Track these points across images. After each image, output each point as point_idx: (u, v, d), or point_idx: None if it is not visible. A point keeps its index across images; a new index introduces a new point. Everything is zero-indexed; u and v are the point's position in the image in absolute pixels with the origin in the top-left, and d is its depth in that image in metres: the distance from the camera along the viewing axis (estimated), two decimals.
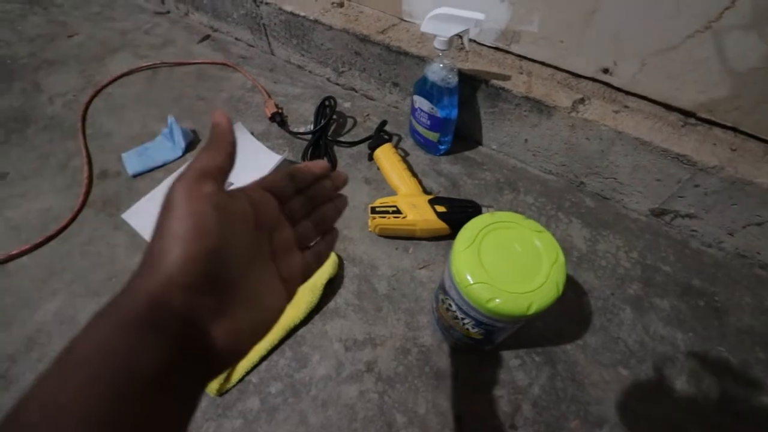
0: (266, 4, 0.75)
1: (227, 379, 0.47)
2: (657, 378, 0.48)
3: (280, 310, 0.24)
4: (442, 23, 0.52)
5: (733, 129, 0.53)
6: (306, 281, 0.27)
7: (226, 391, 0.47)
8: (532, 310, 0.34)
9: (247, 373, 0.48)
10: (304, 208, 0.28)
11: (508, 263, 0.36)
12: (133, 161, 0.66)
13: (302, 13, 0.72)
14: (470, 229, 0.38)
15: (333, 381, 0.47)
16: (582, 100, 0.57)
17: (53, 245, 0.59)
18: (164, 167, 0.67)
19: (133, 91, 0.79)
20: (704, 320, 0.52)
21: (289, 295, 0.25)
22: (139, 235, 0.59)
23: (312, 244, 0.29)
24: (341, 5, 0.73)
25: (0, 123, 0.74)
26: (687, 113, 0.55)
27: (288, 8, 0.73)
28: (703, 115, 0.54)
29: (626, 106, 0.56)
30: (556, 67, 0.60)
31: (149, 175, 0.66)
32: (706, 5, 0.45)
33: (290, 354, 0.49)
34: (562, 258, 0.36)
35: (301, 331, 0.51)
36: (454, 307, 0.40)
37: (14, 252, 0.57)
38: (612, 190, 0.61)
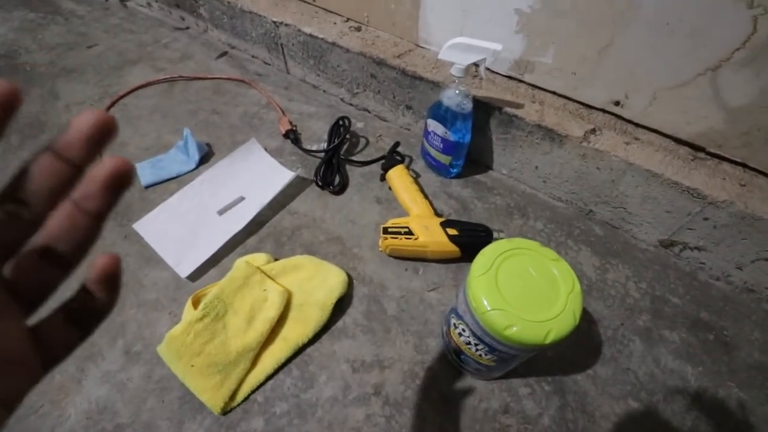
0: (285, 25, 0.77)
1: (232, 397, 0.46)
2: (668, 412, 0.47)
3: None
4: (460, 52, 0.53)
5: (743, 165, 0.54)
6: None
7: (231, 410, 0.46)
8: (549, 339, 0.34)
9: (253, 391, 0.47)
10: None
11: (525, 291, 0.36)
12: (146, 172, 0.67)
13: (321, 36, 0.74)
14: (487, 254, 0.39)
15: (339, 403, 0.47)
16: (593, 131, 0.58)
17: None
18: (177, 179, 0.67)
19: (149, 102, 0.80)
20: (713, 354, 0.52)
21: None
22: (150, 247, 0.58)
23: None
24: (359, 29, 0.75)
25: (16, 128, 0.74)
26: (696, 147, 0.56)
27: (307, 30, 0.75)
28: (713, 150, 0.55)
29: (637, 138, 0.57)
30: (568, 98, 0.62)
31: (162, 186, 0.66)
32: (717, 46, 0.46)
33: (297, 373, 0.49)
34: (578, 287, 0.36)
35: (308, 350, 0.50)
36: (467, 333, 0.40)
37: None
38: (621, 219, 0.62)
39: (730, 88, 0.48)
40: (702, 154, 0.55)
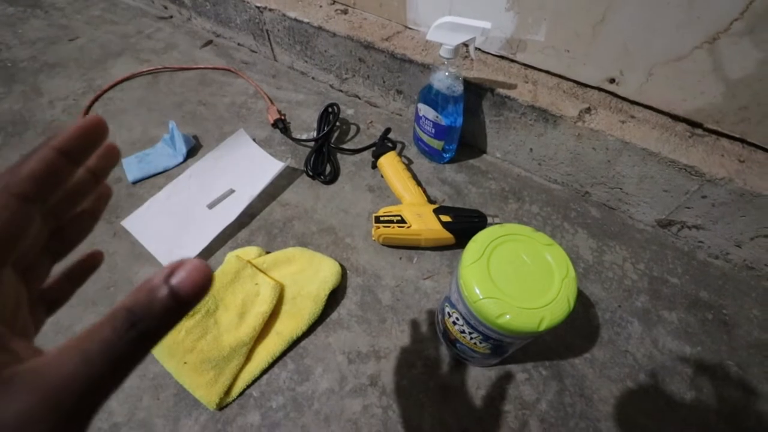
0: (270, 10, 0.75)
1: (227, 392, 0.45)
2: (667, 393, 0.47)
3: None
4: (448, 32, 0.51)
5: (741, 140, 0.52)
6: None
7: (226, 405, 0.46)
8: (543, 327, 0.33)
9: (248, 386, 0.47)
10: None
11: (518, 278, 0.35)
12: (133, 168, 0.65)
13: (306, 20, 0.71)
14: (479, 241, 0.38)
15: (336, 395, 0.46)
16: (588, 110, 0.57)
17: None
18: (165, 173, 0.66)
19: (134, 95, 0.78)
20: (713, 334, 0.51)
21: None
22: (139, 243, 0.58)
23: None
24: (345, 12, 0.73)
25: None
26: (694, 124, 0.54)
27: (292, 14, 0.72)
28: (711, 126, 0.53)
29: (633, 116, 0.56)
30: (562, 77, 0.60)
31: (149, 181, 0.65)
32: (714, 17, 0.45)
33: (292, 366, 0.48)
34: (573, 272, 0.36)
35: (303, 343, 0.50)
36: (461, 321, 0.39)
37: None
38: (618, 200, 0.61)
39: (729, 61, 0.47)
40: (700, 131, 0.54)
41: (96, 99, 0.77)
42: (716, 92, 0.49)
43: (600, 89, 0.58)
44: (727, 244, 0.56)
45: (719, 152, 0.52)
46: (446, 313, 0.43)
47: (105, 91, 0.78)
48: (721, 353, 0.50)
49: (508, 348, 0.40)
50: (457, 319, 0.40)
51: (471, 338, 0.40)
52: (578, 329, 0.51)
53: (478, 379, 0.47)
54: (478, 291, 0.35)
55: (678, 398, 0.46)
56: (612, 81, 0.56)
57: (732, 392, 0.47)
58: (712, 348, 0.50)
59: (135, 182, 0.64)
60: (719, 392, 0.47)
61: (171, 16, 0.97)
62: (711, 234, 0.56)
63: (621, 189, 0.59)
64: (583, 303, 0.53)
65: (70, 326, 0.51)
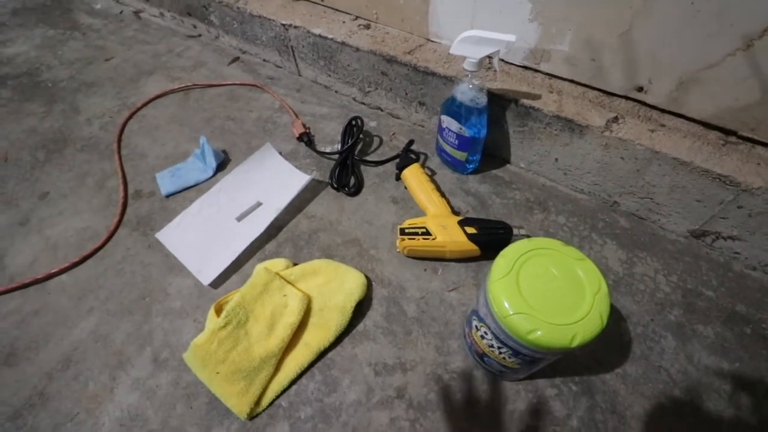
0: (295, 27, 0.77)
1: (257, 402, 0.46)
2: (703, 411, 0.45)
3: None
4: (471, 45, 0.52)
5: None
6: None
7: (256, 415, 0.47)
8: (575, 343, 0.33)
9: (277, 396, 0.48)
10: None
11: (548, 293, 0.35)
12: (166, 182, 0.68)
13: (330, 36, 0.73)
14: (507, 256, 0.38)
15: (363, 407, 0.47)
16: (616, 119, 0.56)
17: (89, 264, 0.60)
18: (196, 187, 0.68)
19: (166, 112, 0.82)
20: (751, 349, 0.49)
21: None
22: (172, 255, 0.60)
23: None
24: (368, 27, 0.74)
25: (41, 144, 0.77)
26: (727, 132, 0.53)
27: (316, 31, 0.74)
28: (745, 134, 0.52)
29: (663, 125, 0.55)
30: (587, 86, 0.59)
31: (181, 195, 0.67)
32: (747, 24, 0.44)
33: (320, 378, 0.49)
34: (605, 287, 0.35)
35: (330, 354, 0.51)
36: (489, 336, 0.39)
37: (54, 270, 0.58)
38: (648, 210, 0.60)
39: (764, 67, 0.45)
40: (734, 139, 0.52)
41: (131, 116, 0.81)
42: (750, 99, 0.48)
43: (627, 98, 0.57)
44: (766, 255, 0.54)
45: (755, 161, 0.50)
46: (474, 326, 0.43)
47: (139, 109, 0.82)
48: (761, 369, 0.48)
49: (538, 363, 0.40)
50: (486, 333, 0.40)
51: (500, 353, 0.39)
52: (609, 344, 0.50)
53: (507, 394, 0.47)
54: (507, 306, 0.34)
55: (715, 416, 0.45)
56: (640, 89, 0.55)
57: None
58: (751, 364, 0.48)
59: (168, 196, 0.67)
60: (760, 410, 0.45)
61: (200, 35, 1.00)
62: (748, 245, 0.54)
63: (651, 199, 0.58)
64: (614, 316, 0.52)
65: (108, 335, 0.53)
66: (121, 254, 0.61)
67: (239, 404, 0.46)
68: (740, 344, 0.50)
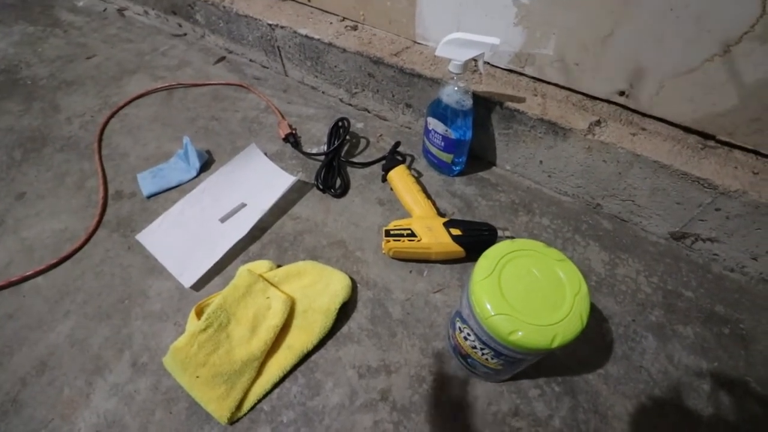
0: (281, 27, 0.76)
1: (238, 407, 0.46)
2: (683, 409, 0.46)
3: None
4: (457, 48, 0.52)
5: (755, 152, 0.52)
6: None
7: (237, 420, 0.46)
8: (555, 344, 0.33)
9: (259, 400, 0.47)
10: None
11: (529, 294, 0.35)
12: (147, 182, 0.67)
13: (316, 36, 0.73)
14: (489, 257, 0.38)
15: (346, 410, 0.46)
16: (598, 123, 0.57)
17: (67, 266, 0.59)
18: (178, 188, 0.67)
19: (149, 111, 0.80)
20: (730, 349, 0.50)
21: None
22: (153, 257, 0.58)
23: None
24: (355, 28, 0.74)
25: (19, 142, 0.75)
26: (706, 136, 0.54)
27: (303, 31, 0.74)
28: (723, 138, 0.53)
29: (644, 129, 0.56)
30: (571, 89, 0.60)
31: (163, 195, 0.66)
32: (725, 30, 0.45)
33: (303, 381, 0.48)
34: (585, 288, 0.35)
35: (314, 357, 0.50)
36: (472, 337, 0.39)
37: (29, 273, 0.57)
38: (630, 212, 0.60)
39: (740, 73, 0.46)
40: (712, 143, 0.54)
41: (112, 115, 0.79)
42: (728, 104, 0.49)
43: (610, 102, 0.58)
44: (743, 257, 0.55)
45: (732, 164, 0.52)
46: (457, 327, 0.43)
47: (121, 108, 0.81)
48: (738, 369, 0.49)
49: (520, 364, 0.40)
50: (469, 334, 0.40)
51: (483, 354, 0.39)
52: (591, 344, 0.50)
53: (490, 395, 0.47)
54: (489, 307, 0.34)
55: (695, 415, 0.45)
56: (622, 93, 0.56)
57: (751, 408, 0.46)
58: (730, 363, 0.49)
59: (149, 197, 0.66)
60: (738, 408, 0.46)
61: (185, 34, 0.99)
62: (726, 247, 0.55)
63: (633, 201, 0.59)
64: (595, 317, 0.52)
65: (85, 339, 0.52)
66: (100, 256, 0.60)
67: (220, 409, 0.45)
68: (719, 344, 0.50)
